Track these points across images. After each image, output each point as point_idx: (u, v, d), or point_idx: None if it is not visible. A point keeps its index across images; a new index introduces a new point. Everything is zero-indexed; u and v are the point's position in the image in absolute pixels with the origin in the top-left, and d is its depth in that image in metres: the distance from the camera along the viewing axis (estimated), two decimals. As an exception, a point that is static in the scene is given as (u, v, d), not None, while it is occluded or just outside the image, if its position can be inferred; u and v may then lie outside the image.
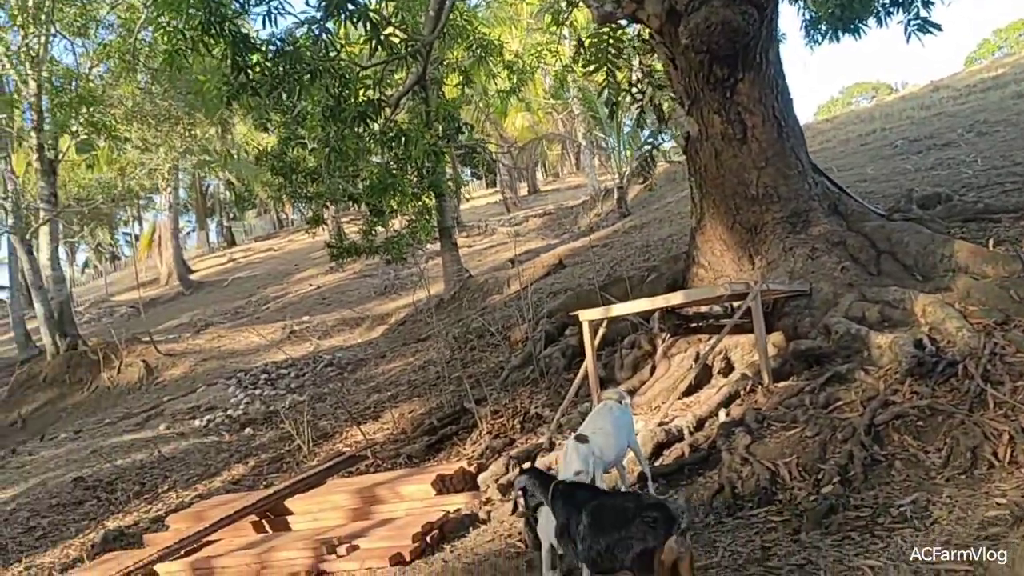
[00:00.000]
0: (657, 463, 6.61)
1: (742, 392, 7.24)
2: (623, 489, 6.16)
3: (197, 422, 13.85)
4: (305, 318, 22.93)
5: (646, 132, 14.33)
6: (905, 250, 8.14)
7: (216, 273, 36.01)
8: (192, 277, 34.71)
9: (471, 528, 6.58)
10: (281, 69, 9.58)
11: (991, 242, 8.04)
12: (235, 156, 30.23)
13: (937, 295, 7.02)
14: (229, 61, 9.21)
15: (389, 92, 13.06)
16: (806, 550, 4.67)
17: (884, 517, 4.88)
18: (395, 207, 15.00)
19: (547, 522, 4.87)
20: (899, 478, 5.34)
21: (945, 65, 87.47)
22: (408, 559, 6.06)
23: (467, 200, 45.23)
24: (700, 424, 6.98)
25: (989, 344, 6.03)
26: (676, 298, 7.76)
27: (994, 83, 24.68)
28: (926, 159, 15.23)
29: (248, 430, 12.72)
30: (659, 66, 10.15)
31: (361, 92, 11.36)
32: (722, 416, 6.98)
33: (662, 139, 11.02)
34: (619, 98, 11.31)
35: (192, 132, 24.30)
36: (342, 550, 6.25)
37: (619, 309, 8.40)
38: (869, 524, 4.84)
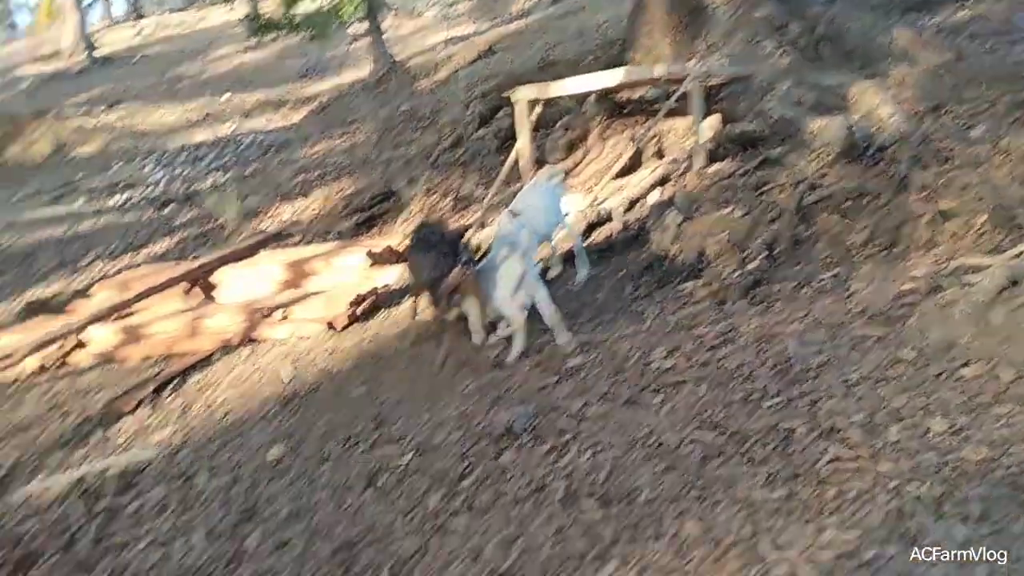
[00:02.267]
0: (588, 241, 6.72)
1: (674, 175, 7.27)
2: (557, 265, 6.29)
3: (115, 199, 13.39)
4: (224, 98, 21.89)
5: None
6: (846, 36, 8.06)
7: (124, 49, 33.59)
8: (97, 53, 32.43)
9: (403, 300, 6.67)
10: None
11: (930, 31, 8.02)
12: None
13: (874, 81, 7.03)
14: None
15: None
16: (730, 318, 4.86)
17: (806, 289, 5.11)
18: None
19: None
20: (822, 255, 5.55)
21: None
22: (341, 327, 6.13)
23: (393, -21, 42.73)
24: (632, 204, 7.05)
25: (920, 130, 6.13)
26: (617, 75, 7.59)
27: None
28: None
29: (170, 208, 12.38)
30: None
31: None
32: (654, 197, 7.05)
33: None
34: None
35: None
36: (276, 316, 6.27)
37: (556, 88, 8.20)
38: (791, 295, 5.06)
